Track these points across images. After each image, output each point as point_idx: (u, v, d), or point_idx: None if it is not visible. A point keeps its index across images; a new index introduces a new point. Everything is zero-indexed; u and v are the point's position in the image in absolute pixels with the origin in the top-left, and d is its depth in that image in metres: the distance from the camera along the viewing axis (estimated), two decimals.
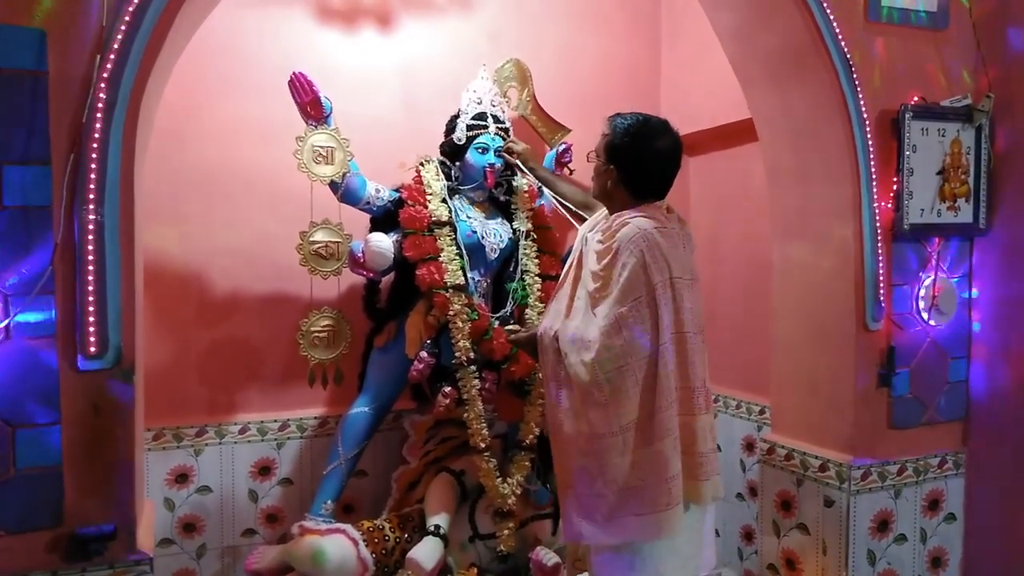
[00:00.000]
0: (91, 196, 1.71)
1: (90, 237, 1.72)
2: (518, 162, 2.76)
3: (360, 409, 2.72)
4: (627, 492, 1.76)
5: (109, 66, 1.73)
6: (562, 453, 1.88)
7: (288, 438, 2.92)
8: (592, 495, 1.79)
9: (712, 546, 1.94)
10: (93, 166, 1.72)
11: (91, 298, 1.72)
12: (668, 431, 1.77)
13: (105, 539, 1.75)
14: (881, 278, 2.45)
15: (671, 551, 1.80)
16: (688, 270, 1.88)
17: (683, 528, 1.80)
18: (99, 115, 1.72)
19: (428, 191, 2.70)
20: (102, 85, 1.72)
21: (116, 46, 1.73)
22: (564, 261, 2.93)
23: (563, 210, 2.65)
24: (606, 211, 2.01)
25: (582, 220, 2.37)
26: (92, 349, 1.73)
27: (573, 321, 1.88)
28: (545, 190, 2.80)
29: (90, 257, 1.72)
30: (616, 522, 1.77)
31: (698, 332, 1.88)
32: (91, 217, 1.72)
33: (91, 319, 1.72)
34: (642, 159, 1.92)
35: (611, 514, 1.77)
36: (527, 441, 2.67)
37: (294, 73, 2.44)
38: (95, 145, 1.72)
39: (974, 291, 2.64)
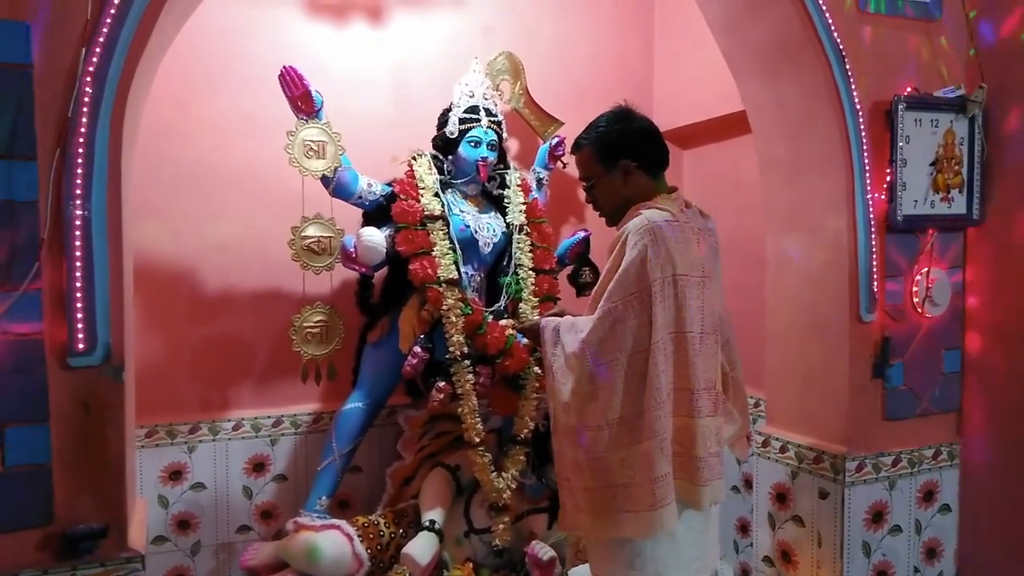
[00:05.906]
0: (78, 191, 1.70)
1: (77, 233, 1.70)
2: None
3: (354, 405, 2.72)
4: (615, 488, 1.73)
5: (95, 59, 1.71)
6: (559, 444, 1.86)
7: (282, 434, 2.92)
8: (581, 487, 1.79)
9: (716, 548, 1.92)
10: (80, 161, 1.70)
11: (79, 294, 1.71)
12: (656, 432, 1.71)
13: (96, 537, 1.73)
14: (875, 270, 2.45)
15: (672, 553, 1.76)
16: (698, 267, 1.81)
17: (685, 530, 1.77)
18: (85, 109, 1.70)
19: (421, 185, 2.69)
20: (88, 79, 1.70)
21: (102, 39, 1.71)
22: (557, 255, 2.94)
23: None
24: None
25: None
26: (81, 346, 1.71)
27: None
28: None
29: (77, 253, 1.70)
30: (605, 516, 1.76)
31: (709, 332, 1.82)
32: (78, 212, 1.70)
33: (79, 316, 1.71)
34: (636, 133, 1.90)
35: (600, 508, 1.76)
36: (522, 435, 2.67)
37: (284, 67, 2.42)
38: (81, 140, 1.70)
39: (968, 282, 2.63)
